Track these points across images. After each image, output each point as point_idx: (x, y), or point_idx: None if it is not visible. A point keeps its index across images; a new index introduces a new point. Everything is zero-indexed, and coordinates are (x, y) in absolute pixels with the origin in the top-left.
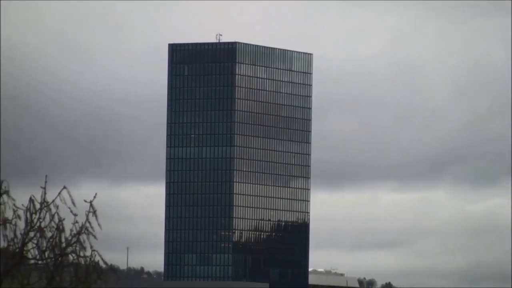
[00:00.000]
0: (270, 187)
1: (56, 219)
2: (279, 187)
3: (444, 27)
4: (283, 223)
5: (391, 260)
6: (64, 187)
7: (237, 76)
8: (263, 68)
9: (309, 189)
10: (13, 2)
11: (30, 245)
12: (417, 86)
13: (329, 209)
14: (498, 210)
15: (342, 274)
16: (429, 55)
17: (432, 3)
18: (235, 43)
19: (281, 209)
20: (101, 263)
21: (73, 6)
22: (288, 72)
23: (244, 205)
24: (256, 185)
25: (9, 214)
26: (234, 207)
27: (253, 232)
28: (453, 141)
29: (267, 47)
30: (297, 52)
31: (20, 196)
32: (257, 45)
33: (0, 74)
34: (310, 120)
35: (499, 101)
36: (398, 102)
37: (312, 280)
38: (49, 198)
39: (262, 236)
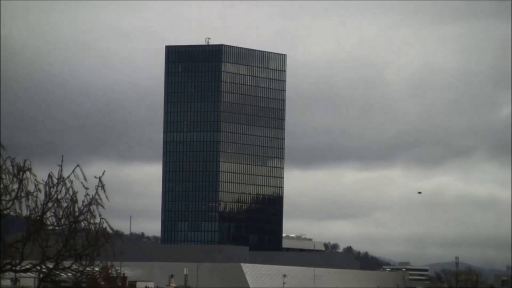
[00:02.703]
0: (250, 166)
1: (70, 192)
2: (258, 166)
3: (402, 35)
4: (261, 196)
5: (352, 228)
6: (77, 165)
7: (223, 73)
8: (244, 66)
9: (283, 168)
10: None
11: (48, 214)
12: (377, 83)
13: (300, 185)
14: (443, 187)
15: (310, 239)
16: (388, 57)
17: (393, 14)
18: (221, 45)
19: (259, 184)
20: (108, 229)
21: (89, 17)
22: (265, 70)
23: (228, 181)
24: (238, 164)
25: (31, 187)
26: (220, 182)
27: (236, 204)
28: (407, 129)
29: (248, 49)
30: (273, 53)
31: (41, 173)
32: (240, 47)
33: (1, 72)
34: (284, 110)
35: (446, 97)
36: (360, 95)
37: (285, 244)
38: (65, 174)
39: (243, 207)
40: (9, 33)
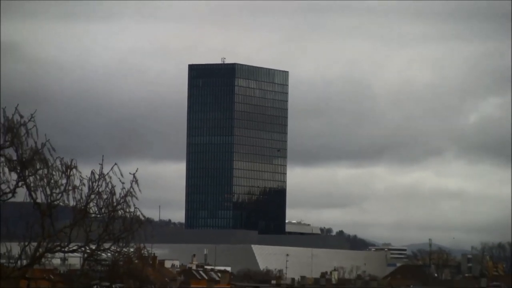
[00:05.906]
0: (258, 164)
1: (109, 186)
2: (265, 164)
3: (386, 54)
4: (267, 189)
5: (343, 215)
6: (115, 164)
7: (236, 87)
8: (254, 81)
9: (286, 165)
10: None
11: (91, 204)
12: (365, 95)
13: (300, 180)
14: (420, 181)
15: (308, 225)
16: (375, 74)
17: (378, 37)
18: (234, 64)
19: (266, 179)
20: (141, 217)
21: (125, 39)
22: (271, 84)
23: (241, 176)
24: (249, 163)
25: (77, 182)
26: (234, 177)
27: (247, 195)
28: (389, 133)
29: (257, 67)
30: (277, 70)
31: (85, 170)
32: (250, 65)
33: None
34: (286, 117)
35: (423, 107)
36: (351, 105)
37: (288, 228)
38: (105, 171)
39: (253, 198)
40: (58, 54)
